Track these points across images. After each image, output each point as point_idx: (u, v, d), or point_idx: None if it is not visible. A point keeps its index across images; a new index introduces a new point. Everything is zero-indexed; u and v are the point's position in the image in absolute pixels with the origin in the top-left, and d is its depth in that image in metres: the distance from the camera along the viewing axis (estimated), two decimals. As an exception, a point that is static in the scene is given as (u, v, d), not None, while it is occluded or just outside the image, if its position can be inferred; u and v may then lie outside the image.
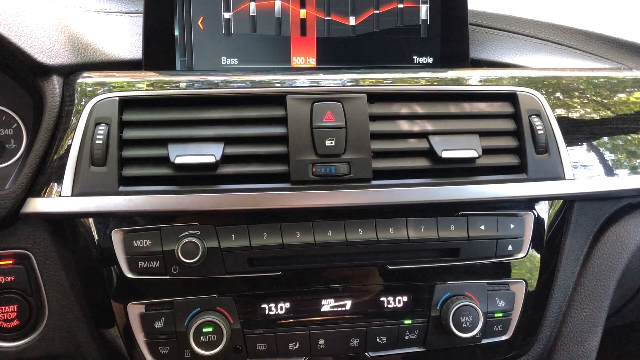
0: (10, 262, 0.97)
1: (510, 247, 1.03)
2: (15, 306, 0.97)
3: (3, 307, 0.96)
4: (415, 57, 1.20)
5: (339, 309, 1.02)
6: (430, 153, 0.99)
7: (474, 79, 1.06)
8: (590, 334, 1.14)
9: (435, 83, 1.04)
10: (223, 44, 1.14)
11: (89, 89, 0.97)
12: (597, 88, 1.12)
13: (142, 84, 0.99)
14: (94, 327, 1.01)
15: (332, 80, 1.02)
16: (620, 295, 1.26)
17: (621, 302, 1.31)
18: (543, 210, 1.06)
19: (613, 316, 1.36)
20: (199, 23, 1.13)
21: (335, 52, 1.17)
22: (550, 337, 1.14)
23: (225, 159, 0.94)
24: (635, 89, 1.14)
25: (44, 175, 0.95)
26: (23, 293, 0.97)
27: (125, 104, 0.96)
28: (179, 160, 0.91)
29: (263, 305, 1.00)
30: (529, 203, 1.05)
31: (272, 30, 1.15)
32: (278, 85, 1.00)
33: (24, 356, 0.99)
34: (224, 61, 1.15)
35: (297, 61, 1.16)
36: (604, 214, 1.14)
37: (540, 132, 1.02)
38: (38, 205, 0.93)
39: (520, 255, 1.05)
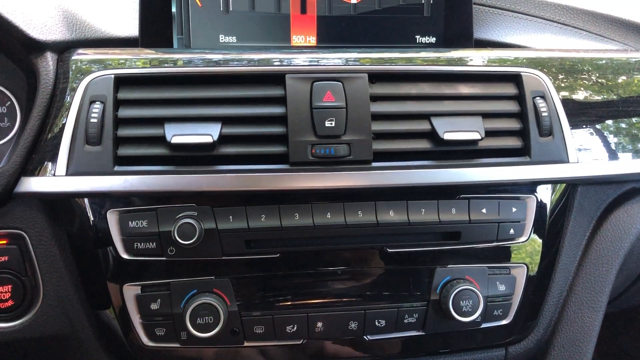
0: (4, 242, 0.95)
1: (511, 231, 1.02)
2: (10, 286, 0.96)
3: (-3, 288, 0.95)
4: (417, 37, 1.17)
5: (338, 292, 1.01)
6: (432, 135, 0.97)
7: (477, 59, 1.04)
8: (591, 319, 1.13)
9: (438, 63, 1.02)
10: (221, 22, 1.12)
11: (83, 66, 0.95)
12: (603, 70, 1.10)
13: (138, 61, 0.96)
14: (89, 308, 1.00)
15: (333, 59, 1.00)
16: (622, 281, 1.25)
17: (622, 287, 1.30)
18: (546, 193, 1.04)
19: (613, 301, 1.35)
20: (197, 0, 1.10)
21: (336, 30, 1.15)
22: (551, 322, 1.13)
23: (223, 139, 0.92)
24: (642, 71, 1.12)
25: (37, 154, 0.93)
26: (17, 273, 0.96)
27: (121, 81, 0.94)
28: (175, 140, 0.89)
29: (260, 288, 0.98)
30: (532, 186, 1.03)
31: (272, 7, 1.13)
32: (277, 64, 0.98)
33: (19, 337, 0.98)
34: (222, 39, 1.12)
35: (297, 40, 1.14)
36: (607, 198, 1.12)
37: (544, 114, 1.00)
38: (32, 184, 0.92)
39: (522, 239, 1.03)
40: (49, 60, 0.95)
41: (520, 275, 1.05)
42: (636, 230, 1.13)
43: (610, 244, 1.11)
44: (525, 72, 1.03)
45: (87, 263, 0.97)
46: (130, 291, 0.96)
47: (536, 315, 1.10)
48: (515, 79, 1.03)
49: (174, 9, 1.10)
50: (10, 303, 0.96)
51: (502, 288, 1.04)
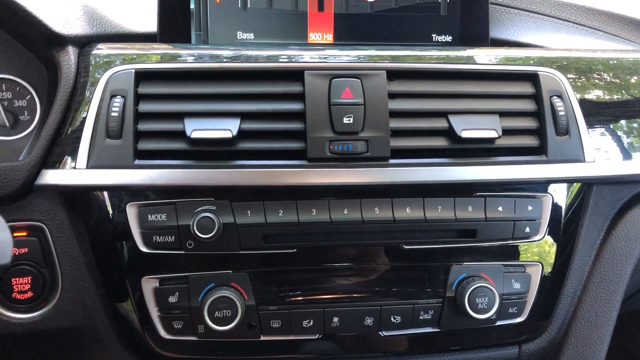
0: (24, 234, 0.96)
1: (527, 229, 1.02)
2: (29, 278, 0.97)
3: (17, 279, 0.96)
4: (434, 35, 1.18)
5: (354, 287, 1.01)
6: (449, 132, 0.97)
7: (494, 58, 1.05)
8: (605, 318, 1.13)
9: (455, 61, 1.02)
10: (239, 18, 1.12)
11: (104, 60, 0.96)
12: (619, 70, 1.10)
13: (158, 56, 0.97)
14: (107, 300, 1.00)
15: (351, 56, 1.00)
16: (635, 281, 1.25)
17: (635, 288, 1.30)
18: (561, 192, 1.05)
19: (626, 302, 1.35)
20: (216, -4, 1.11)
21: (353, 28, 1.15)
22: (565, 321, 1.13)
23: (242, 135, 0.93)
24: (659, 72, 1.12)
25: (58, 148, 0.94)
26: (37, 265, 0.97)
27: (141, 76, 0.95)
28: (195, 134, 0.90)
29: (277, 282, 0.99)
30: (548, 185, 1.03)
31: (289, 4, 1.13)
32: (296, 60, 0.98)
33: (37, 328, 0.99)
34: (239, 35, 1.13)
35: (314, 37, 1.15)
36: (622, 198, 1.12)
37: (561, 113, 1.00)
38: (52, 177, 0.93)
39: (537, 237, 1.04)
40: (71, 54, 0.96)
41: (535, 274, 1.05)
42: (651, 230, 1.13)
43: (625, 243, 1.12)
44: (543, 71, 1.03)
45: (105, 256, 0.98)
46: (149, 284, 0.97)
47: (550, 313, 1.11)
48: (532, 78, 1.03)
49: (192, 5, 1.11)
50: (29, 294, 0.97)
51: (517, 286, 1.04)
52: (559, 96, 1.02)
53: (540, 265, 1.05)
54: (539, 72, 1.03)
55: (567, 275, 1.10)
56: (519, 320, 1.06)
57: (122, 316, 1.00)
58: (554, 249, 1.06)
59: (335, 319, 1.00)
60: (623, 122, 1.08)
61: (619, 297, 1.13)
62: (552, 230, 1.05)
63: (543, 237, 1.04)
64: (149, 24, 1.13)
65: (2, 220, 0.65)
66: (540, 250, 1.05)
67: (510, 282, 1.04)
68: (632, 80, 1.10)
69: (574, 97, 1.03)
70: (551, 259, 1.06)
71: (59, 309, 0.99)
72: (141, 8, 1.16)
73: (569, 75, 1.05)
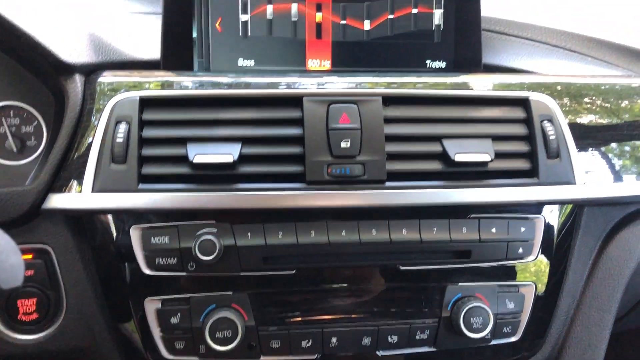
0: (31, 256, 0.99)
1: (520, 250, 1.05)
2: (34, 300, 0.99)
3: (22, 301, 0.98)
4: (428, 62, 1.21)
5: (352, 307, 1.03)
6: (443, 156, 1.00)
7: (486, 83, 1.08)
8: (598, 338, 1.15)
9: (449, 87, 1.06)
10: (240, 46, 1.16)
11: (109, 88, 0.99)
12: (608, 94, 1.14)
13: (162, 84, 1.01)
14: (111, 321, 1.02)
15: (348, 82, 1.04)
16: (627, 300, 1.27)
17: (628, 307, 1.33)
18: (553, 214, 1.08)
19: (619, 321, 1.37)
20: (217, 25, 1.15)
21: (350, 55, 1.19)
22: (558, 340, 1.15)
23: (243, 159, 0.96)
24: (646, 97, 1.16)
25: (64, 172, 0.97)
26: (42, 287, 0.99)
27: (145, 103, 0.98)
28: (197, 159, 0.93)
29: (277, 303, 1.01)
30: (540, 207, 1.06)
31: (289, 33, 1.17)
32: (295, 87, 1.02)
33: (42, 349, 1.01)
34: (240, 62, 1.16)
35: (312, 64, 1.18)
36: (613, 219, 1.15)
37: (552, 137, 1.03)
38: (59, 201, 0.95)
39: (531, 258, 1.06)
40: (77, 82, 0.99)
41: (529, 294, 1.08)
42: (641, 250, 1.15)
43: (616, 263, 1.14)
44: (533, 96, 1.06)
45: (109, 277, 1.00)
46: (151, 305, 0.99)
47: (544, 332, 1.13)
48: (523, 103, 1.06)
49: (194, 34, 1.15)
50: (34, 316, 0.99)
51: (511, 306, 1.06)
52: (550, 120, 1.05)
53: (534, 285, 1.08)
54: (529, 98, 1.06)
55: (560, 295, 1.12)
56: (513, 339, 1.09)
57: (125, 337, 1.02)
58: (547, 269, 1.08)
59: (334, 339, 1.02)
60: (612, 145, 1.12)
61: (611, 316, 1.15)
62: (545, 251, 1.07)
63: (536, 257, 1.07)
64: (153, 51, 1.16)
65: (15, 244, 0.68)
66: (533, 270, 1.07)
67: (505, 302, 1.06)
68: (621, 105, 1.14)
69: (564, 121, 1.06)
70: (544, 279, 1.08)
71: (64, 330, 1.01)
72: (145, 36, 1.19)
73: (559, 100, 1.08)
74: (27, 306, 0.98)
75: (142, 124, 0.97)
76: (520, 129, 1.05)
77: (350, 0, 1.17)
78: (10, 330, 1.00)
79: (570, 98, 1.11)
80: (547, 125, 1.04)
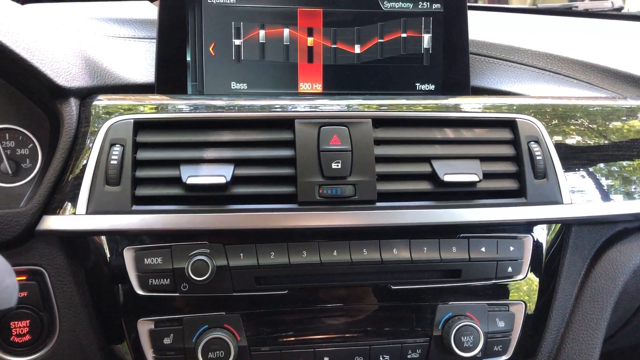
0: (24, 278, 0.99)
1: (510, 269, 1.06)
2: (28, 321, 0.99)
3: (16, 322, 0.98)
4: (417, 84, 1.24)
5: (344, 327, 1.04)
6: (432, 176, 1.02)
7: (474, 106, 1.10)
8: (588, 356, 1.16)
9: (438, 109, 1.08)
10: (233, 70, 1.18)
11: (104, 111, 1.00)
12: (593, 116, 1.16)
13: (156, 107, 1.02)
14: (104, 343, 1.03)
15: (339, 105, 1.06)
16: (617, 319, 1.28)
17: (617, 325, 1.34)
18: (542, 233, 1.09)
19: (609, 339, 1.38)
20: (210, 49, 1.17)
21: (341, 78, 1.22)
22: (549, 359, 1.16)
23: (235, 180, 0.97)
24: (630, 118, 1.18)
25: (59, 194, 0.97)
26: (35, 309, 0.99)
27: (139, 126, 1.00)
28: (190, 180, 0.95)
29: (269, 323, 1.02)
30: (528, 226, 1.08)
31: (281, 57, 1.19)
32: (286, 109, 1.04)
33: None
34: (233, 86, 1.18)
35: (304, 87, 1.21)
36: (601, 238, 1.17)
37: (538, 157, 1.06)
38: (53, 223, 0.96)
39: (520, 277, 1.08)
40: (72, 106, 1.01)
41: (519, 312, 1.09)
42: (630, 268, 1.17)
43: (605, 282, 1.15)
44: (520, 118, 1.09)
45: (103, 298, 1.01)
46: (144, 326, 0.99)
47: (535, 351, 1.14)
48: (510, 124, 1.09)
49: (188, 58, 1.17)
50: (27, 338, 0.99)
51: (501, 324, 1.07)
52: (536, 141, 1.07)
53: (524, 304, 1.09)
54: (516, 119, 1.08)
55: (550, 314, 1.13)
56: (504, 358, 1.09)
57: (118, 358, 1.02)
58: (536, 287, 1.09)
59: (326, 359, 1.03)
60: (599, 165, 1.14)
61: (601, 335, 1.16)
62: (534, 270, 1.09)
63: (525, 276, 1.08)
64: (148, 75, 1.18)
65: (9, 266, 0.69)
66: (523, 289, 1.09)
67: (495, 321, 1.07)
68: (605, 126, 1.16)
69: (550, 142, 1.09)
70: (534, 297, 1.10)
71: (57, 352, 1.01)
72: (140, 60, 1.21)
73: (545, 122, 1.11)
74: (20, 328, 0.98)
75: (136, 146, 0.98)
76: (507, 150, 1.07)
77: (341, 25, 1.20)
78: (3, 352, 0.99)
79: (557, 119, 1.13)
80: (534, 146, 1.06)
